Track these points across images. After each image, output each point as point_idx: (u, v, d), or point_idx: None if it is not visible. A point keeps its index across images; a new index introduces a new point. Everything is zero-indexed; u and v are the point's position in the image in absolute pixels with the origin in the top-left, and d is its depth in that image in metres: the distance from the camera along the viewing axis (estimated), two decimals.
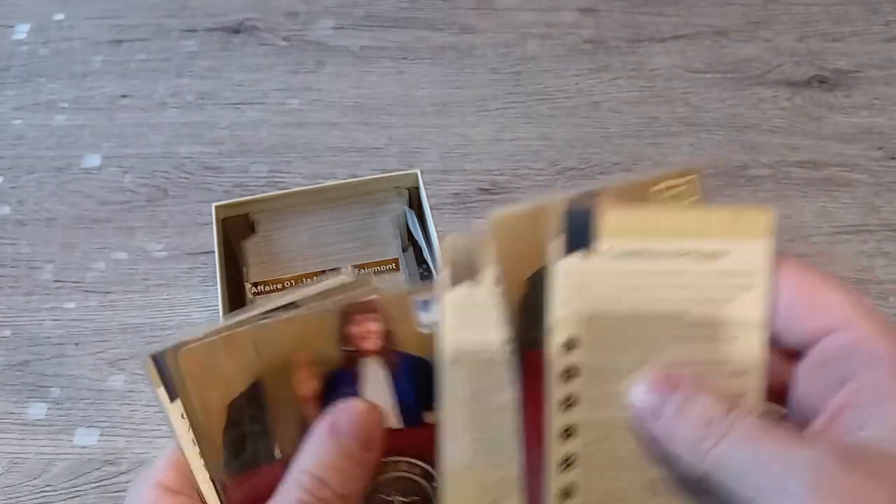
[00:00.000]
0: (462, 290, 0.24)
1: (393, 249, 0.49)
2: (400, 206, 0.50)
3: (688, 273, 0.24)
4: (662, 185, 0.26)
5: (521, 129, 0.64)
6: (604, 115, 0.65)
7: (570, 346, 0.24)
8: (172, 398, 0.25)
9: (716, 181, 0.61)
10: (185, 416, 0.25)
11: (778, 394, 0.25)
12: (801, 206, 0.60)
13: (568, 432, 0.24)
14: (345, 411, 0.24)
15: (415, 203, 0.50)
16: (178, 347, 0.25)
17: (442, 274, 0.24)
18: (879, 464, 0.20)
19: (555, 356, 0.24)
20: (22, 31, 0.71)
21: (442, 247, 0.24)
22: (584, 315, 0.24)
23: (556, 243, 0.24)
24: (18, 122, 0.65)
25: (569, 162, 0.62)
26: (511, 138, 0.64)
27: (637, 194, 0.25)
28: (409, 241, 0.51)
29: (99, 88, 0.67)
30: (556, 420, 0.24)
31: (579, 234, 0.24)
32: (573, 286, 0.24)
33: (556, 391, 0.24)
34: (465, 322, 0.24)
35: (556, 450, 0.24)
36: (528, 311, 0.24)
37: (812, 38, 0.70)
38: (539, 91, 0.67)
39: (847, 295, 0.23)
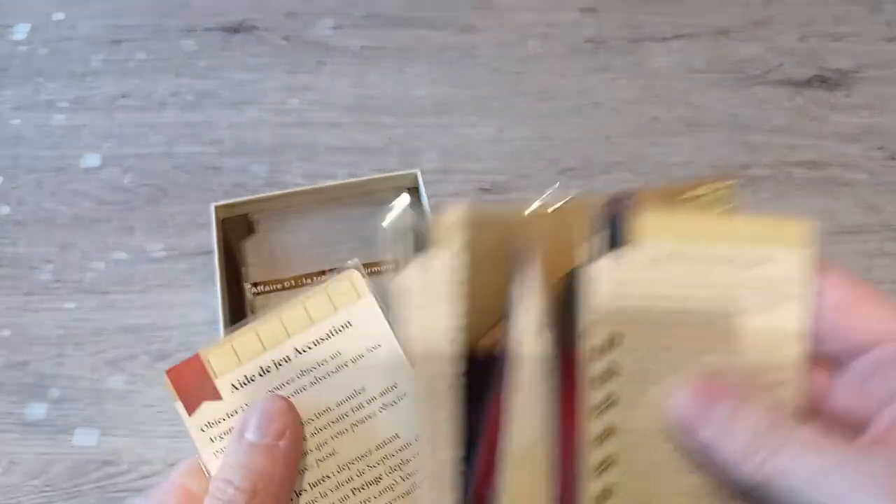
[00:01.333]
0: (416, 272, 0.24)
1: None
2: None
3: (726, 279, 0.24)
4: (698, 192, 0.25)
5: (522, 128, 0.64)
6: (604, 115, 0.65)
7: (606, 347, 0.23)
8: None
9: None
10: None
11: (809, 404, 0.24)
12: (802, 206, 0.60)
13: (603, 436, 0.24)
14: (249, 410, 0.25)
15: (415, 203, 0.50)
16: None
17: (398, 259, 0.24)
18: None
19: (590, 358, 0.23)
20: (22, 31, 0.71)
21: (388, 229, 0.24)
22: (621, 317, 0.24)
23: (594, 241, 0.23)
24: (18, 121, 0.65)
25: (569, 162, 0.62)
26: (511, 138, 0.64)
27: (672, 199, 0.25)
28: None
29: (98, 88, 0.67)
30: (591, 424, 0.23)
31: (617, 234, 0.23)
32: (610, 287, 0.23)
33: (591, 394, 0.23)
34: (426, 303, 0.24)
35: (591, 453, 0.23)
36: (566, 308, 0.24)
37: (812, 37, 0.70)
38: (539, 91, 0.67)
39: (891, 310, 0.23)
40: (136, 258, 0.58)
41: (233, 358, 0.26)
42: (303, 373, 0.26)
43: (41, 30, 0.71)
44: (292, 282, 0.48)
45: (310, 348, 0.27)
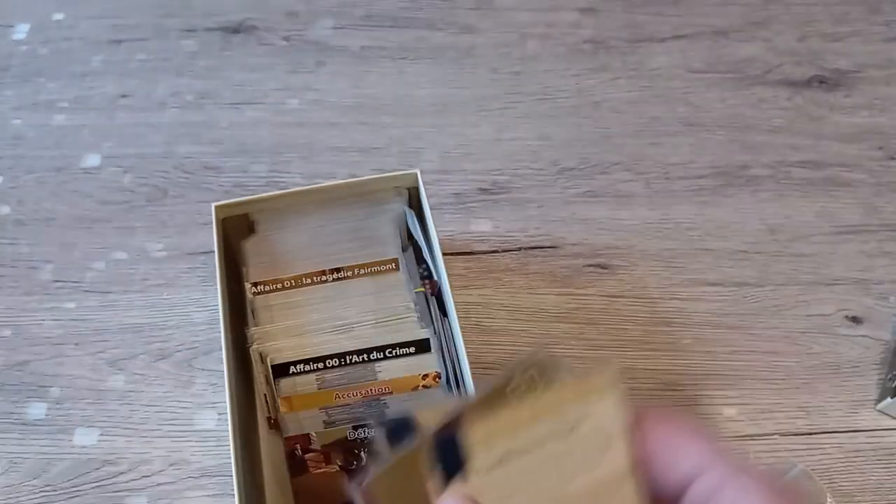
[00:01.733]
0: None
1: (393, 249, 0.49)
2: (400, 206, 0.50)
3: (555, 453, 0.24)
4: (513, 384, 0.26)
5: (521, 129, 0.64)
6: (604, 115, 0.65)
7: None
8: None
9: (715, 182, 0.61)
10: None
11: None
12: (802, 206, 0.60)
13: None
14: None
15: (415, 203, 0.50)
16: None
17: None
18: None
19: None
20: (21, 31, 0.71)
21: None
22: None
23: (434, 478, 0.24)
24: (18, 121, 0.65)
25: (569, 162, 0.62)
26: (511, 138, 0.64)
27: (494, 401, 0.25)
28: (409, 241, 0.51)
29: (98, 88, 0.67)
30: None
31: (452, 461, 0.24)
32: None
33: None
34: None
35: None
36: None
37: (812, 38, 0.70)
38: (539, 91, 0.67)
39: (705, 441, 0.25)
40: (136, 258, 0.58)
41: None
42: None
43: (41, 30, 0.71)
44: (292, 282, 0.48)
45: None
